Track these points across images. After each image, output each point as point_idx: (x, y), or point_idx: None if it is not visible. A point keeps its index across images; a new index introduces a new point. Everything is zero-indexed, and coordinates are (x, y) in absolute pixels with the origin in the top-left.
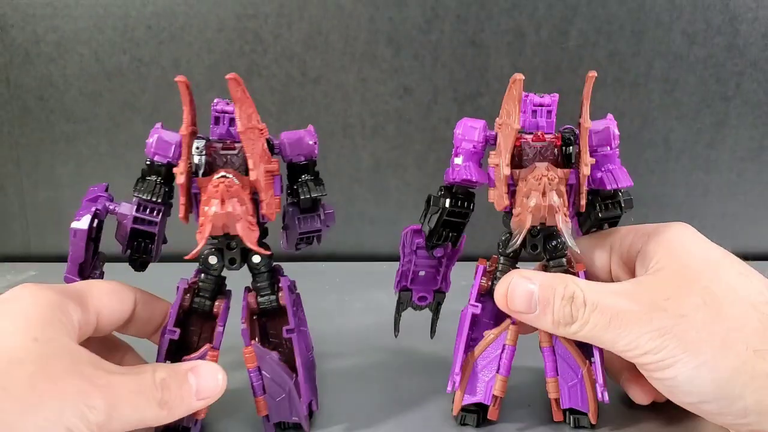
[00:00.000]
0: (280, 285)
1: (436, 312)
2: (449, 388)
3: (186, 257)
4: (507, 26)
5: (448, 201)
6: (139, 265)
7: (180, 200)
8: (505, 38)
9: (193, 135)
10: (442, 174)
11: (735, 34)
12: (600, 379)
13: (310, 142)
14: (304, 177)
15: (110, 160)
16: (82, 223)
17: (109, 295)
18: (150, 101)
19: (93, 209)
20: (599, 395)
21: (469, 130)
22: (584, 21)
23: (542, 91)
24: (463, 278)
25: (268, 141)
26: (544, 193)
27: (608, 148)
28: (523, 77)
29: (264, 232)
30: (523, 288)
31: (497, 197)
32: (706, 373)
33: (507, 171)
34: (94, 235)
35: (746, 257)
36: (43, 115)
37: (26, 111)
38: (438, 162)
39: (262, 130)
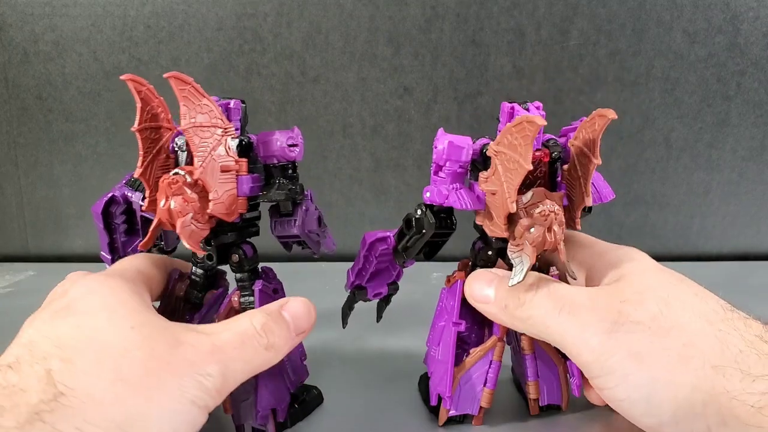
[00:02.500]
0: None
1: (387, 302)
2: (434, 402)
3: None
4: (507, 25)
5: (430, 224)
6: (158, 252)
7: (146, 192)
8: (505, 37)
9: (165, 131)
10: None
11: (736, 33)
12: (575, 374)
13: (282, 144)
14: (275, 179)
15: (109, 159)
16: (96, 206)
17: (153, 269)
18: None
19: (110, 194)
20: (573, 390)
21: (455, 150)
22: (585, 20)
23: (542, 91)
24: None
25: (242, 140)
26: (549, 229)
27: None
28: (545, 124)
29: (254, 233)
30: (482, 277)
31: (495, 227)
32: (662, 391)
33: (513, 208)
34: (114, 218)
35: (746, 257)
36: (42, 114)
37: (24, 110)
38: None
39: (225, 128)
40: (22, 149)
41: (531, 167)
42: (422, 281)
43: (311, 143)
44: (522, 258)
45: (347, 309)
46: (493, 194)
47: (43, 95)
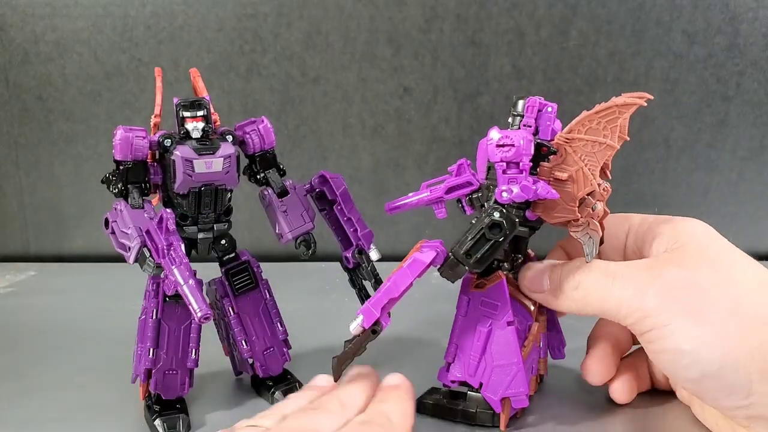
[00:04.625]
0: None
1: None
2: (499, 409)
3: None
4: (507, 26)
5: (515, 223)
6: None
7: None
8: (505, 38)
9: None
10: (442, 174)
11: (735, 33)
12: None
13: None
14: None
15: (109, 159)
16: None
17: None
18: (149, 101)
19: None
20: (561, 355)
21: (528, 144)
22: (584, 20)
23: (542, 91)
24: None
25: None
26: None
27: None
28: (644, 104)
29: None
30: (536, 268)
31: (562, 212)
32: (709, 344)
33: (597, 187)
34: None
35: None
36: (42, 114)
37: (25, 111)
38: (438, 162)
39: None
40: (22, 149)
41: (618, 147)
42: (422, 282)
43: (311, 143)
44: (590, 234)
45: (351, 356)
46: (564, 180)
47: (43, 96)
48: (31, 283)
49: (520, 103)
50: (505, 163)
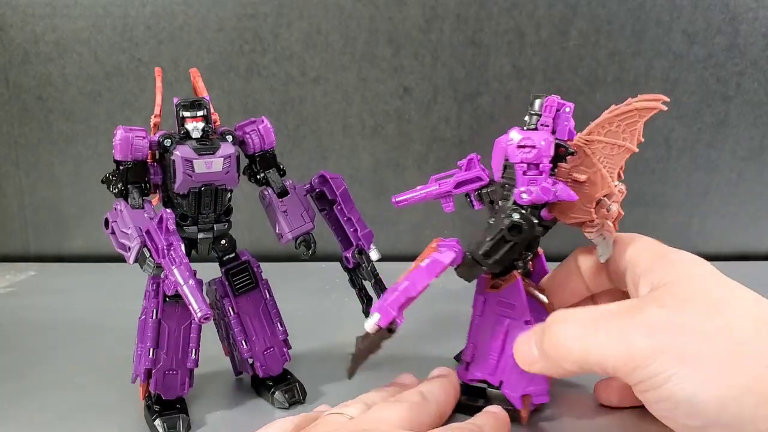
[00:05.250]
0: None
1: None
2: (520, 405)
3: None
4: (507, 26)
5: (534, 224)
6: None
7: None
8: (505, 38)
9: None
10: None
11: (735, 33)
12: None
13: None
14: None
15: (109, 159)
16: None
17: None
18: (149, 101)
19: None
20: None
21: (549, 146)
22: (584, 20)
23: (542, 92)
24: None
25: (226, 133)
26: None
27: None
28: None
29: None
30: (519, 340)
31: (579, 213)
32: (709, 390)
33: (615, 189)
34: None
35: (746, 257)
36: (42, 114)
37: (25, 111)
38: (438, 162)
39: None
40: (22, 149)
41: (637, 150)
42: None
43: (311, 143)
44: (605, 235)
45: (366, 354)
46: (582, 182)
47: (43, 96)
48: (31, 283)
49: (538, 102)
50: (525, 164)
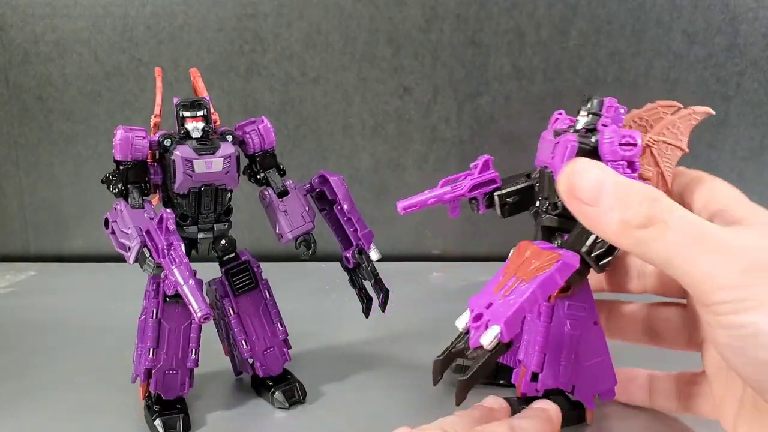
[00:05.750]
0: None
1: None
2: (592, 405)
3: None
4: (507, 26)
5: None
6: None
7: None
8: (505, 38)
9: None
10: (442, 174)
11: (735, 33)
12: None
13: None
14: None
15: (109, 159)
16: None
17: None
18: (149, 101)
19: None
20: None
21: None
22: (584, 20)
23: (542, 92)
24: (464, 279)
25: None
26: None
27: None
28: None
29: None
30: (593, 173)
31: None
32: None
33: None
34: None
35: None
36: (42, 114)
37: (25, 111)
38: (438, 162)
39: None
40: (22, 149)
41: (688, 150)
42: (422, 282)
43: (311, 143)
44: None
45: (482, 374)
46: (646, 180)
47: (43, 96)
48: (31, 283)
49: (596, 101)
50: (625, 162)
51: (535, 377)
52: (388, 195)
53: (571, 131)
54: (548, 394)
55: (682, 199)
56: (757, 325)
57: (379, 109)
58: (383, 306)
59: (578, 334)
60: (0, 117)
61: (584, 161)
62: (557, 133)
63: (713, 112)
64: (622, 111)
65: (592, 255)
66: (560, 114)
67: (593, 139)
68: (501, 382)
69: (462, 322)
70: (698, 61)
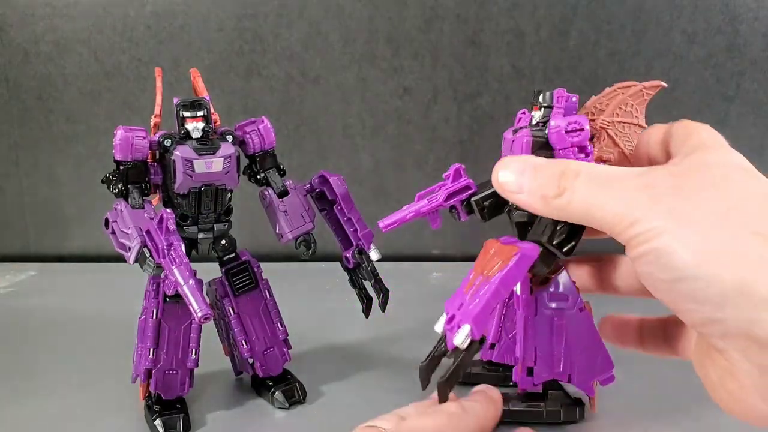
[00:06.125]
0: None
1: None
2: (593, 393)
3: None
4: (507, 26)
5: None
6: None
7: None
8: (504, 38)
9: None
10: (442, 174)
11: (735, 33)
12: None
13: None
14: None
15: (109, 160)
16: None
17: None
18: (149, 101)
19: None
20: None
21: (589, 129)
22: (584, 21)
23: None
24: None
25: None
26: None
27: None
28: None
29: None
30: (513, 166)
31: None
32: (691, 244)
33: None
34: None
35: None
36: (42, 115)
37: (25, 111)
38: (438, 162)
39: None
40: (22, 150)
41: (646, 126)
42: (422, 282)
43: (311, 143)
44: None
45: (459, 374)
46: (607, 161)
47: (43, 96)
48: (31, 283)
49: (548, 94)
50: (576, 149)
51: (530, 372)
52: (388, 195)
53: (527, 127)
54: (547, 389)
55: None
56: (658, 249)
57: (379, 109)
58: (383, 306)
59: (564, 323)
60: (0, 117)
61: (507, 159)
62: (515, 131)
63: (665, 85)
64: (574, 99)
65: (554, 243)
66: (523, 113)
67: (546, 131)
68: (511, 383)
69: (440, 325)
70: (698, 61)
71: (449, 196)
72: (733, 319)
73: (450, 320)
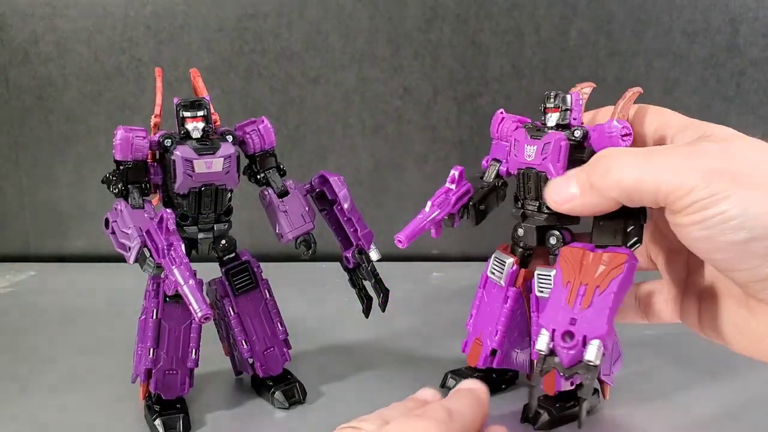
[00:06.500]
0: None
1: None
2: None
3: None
4: (507, 26)
5: None
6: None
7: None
8: (504, 38)
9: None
10: (442, 174)
11: (735, 33)
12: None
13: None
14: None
15: (109, 160)
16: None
17: None
18: (149, 101)
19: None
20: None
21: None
22: (584, 20)
23: (542, 92)
24: (464, 279)
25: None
26: None
27: None
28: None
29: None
30: (562, 185)
31: None
32: (761, 205)
33: None
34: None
35: None
36: (42, 115)
37: (25, 111)
38: (438, 162)
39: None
40: (22, 150)
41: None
42: (422, 282)
43: (311, 143)
44: None
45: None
46: None
47: (43, 96)
48: (31, 283)
49: (568, 97)
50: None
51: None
52: (388, 195)
53: (550, 130)
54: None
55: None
56: (725, 213)
57: (379, 109)
58: (383, 306)
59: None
60: (0, 117)
61: (554, 182)
62: (533, 135)
63: (594, 85)
64: (580, 101)
65: (628, 245)
66: (503, 114)
67: (576, 134)
68: (504, 386)
69: (543, 344)
70: (698, 61)
71: (456, 201)
72: None
73: (564, 336)
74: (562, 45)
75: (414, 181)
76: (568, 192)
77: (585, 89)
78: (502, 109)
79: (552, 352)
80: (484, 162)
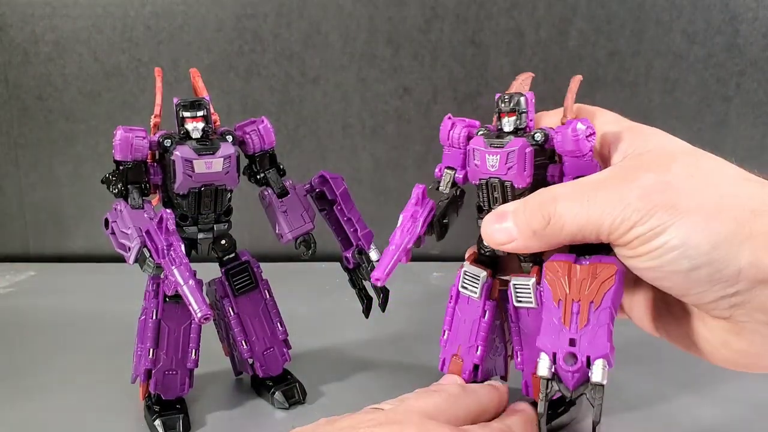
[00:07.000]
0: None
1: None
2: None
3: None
4: (506, 26)
5: None
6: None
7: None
8: (504, 38)
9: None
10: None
11: (735, 33)
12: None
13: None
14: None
15: (109, 159)
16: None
17: None
18: (149, 101)
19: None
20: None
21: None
22: (584, 20)
23: (541, 92)
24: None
25: (226, 133)
26: None
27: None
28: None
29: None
30: (496, 226)
31: None
32: (701, 233)
33: None
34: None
35: None
36: (42, 115)
37: (25, 111)
38: (437, 162)
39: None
40: (22, 150)
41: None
42: (422, 282)
43: (311, 143)
44: None
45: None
46: None
47: (43, 96)
48: (31, 283)
49: (522, 99)
50: (591, 153)
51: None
52: (388, 195)
53: (511, 137)
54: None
55: None
56: (666, 244)
57: (379, 109)
58: (383, 306)
59: (540, 310)
60: (0, 117)
61: (487, 219)
62: (494, 144)
63: (533, 74)
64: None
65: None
66: (451, 119)
67: (537, 137)
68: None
69: (544, 369)
70: (698, 61)
71: (423, 223)
72: (744, 290)
73: (565, 359)
74: (562, 45)
75: (414, 181)
76: (507, 234)
77: (526, 80)
78: (449, 114)
79: (554, 376)
80: (437, 171)
